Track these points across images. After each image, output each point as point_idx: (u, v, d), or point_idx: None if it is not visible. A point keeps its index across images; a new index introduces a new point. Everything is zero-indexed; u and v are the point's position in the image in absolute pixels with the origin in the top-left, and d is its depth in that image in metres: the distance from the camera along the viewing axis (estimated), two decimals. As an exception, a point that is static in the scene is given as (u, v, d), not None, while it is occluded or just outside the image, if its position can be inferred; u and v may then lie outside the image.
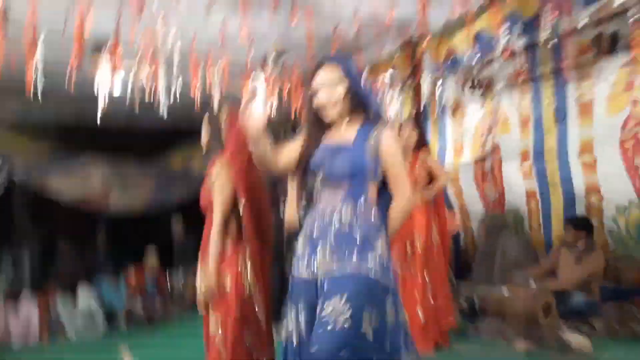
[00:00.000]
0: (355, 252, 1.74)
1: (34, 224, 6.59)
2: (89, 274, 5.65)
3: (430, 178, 3.67)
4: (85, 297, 5.26)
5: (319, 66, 1.92)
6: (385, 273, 1.74)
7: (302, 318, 1.78)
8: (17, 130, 6.72)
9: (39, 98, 4.02)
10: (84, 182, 6.79)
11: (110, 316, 5.37)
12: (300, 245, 1.88)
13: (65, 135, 7.08)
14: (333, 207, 1.81)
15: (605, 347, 3.11)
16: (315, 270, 1.77)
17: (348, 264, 1.72)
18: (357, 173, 1.81)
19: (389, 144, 1.84)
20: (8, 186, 5.01)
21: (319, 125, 1.94)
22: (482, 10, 4.36)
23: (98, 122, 4.67)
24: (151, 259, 5.77)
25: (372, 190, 1.84)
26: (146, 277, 5.67)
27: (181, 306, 5.68)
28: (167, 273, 6.08)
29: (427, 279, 3.41)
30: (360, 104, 1.90)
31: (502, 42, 4.39)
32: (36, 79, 4.02)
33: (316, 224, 1.84)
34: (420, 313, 3.31)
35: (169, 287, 5.90)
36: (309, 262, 1.80)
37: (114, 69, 4.35)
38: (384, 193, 1.89)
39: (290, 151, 1.96)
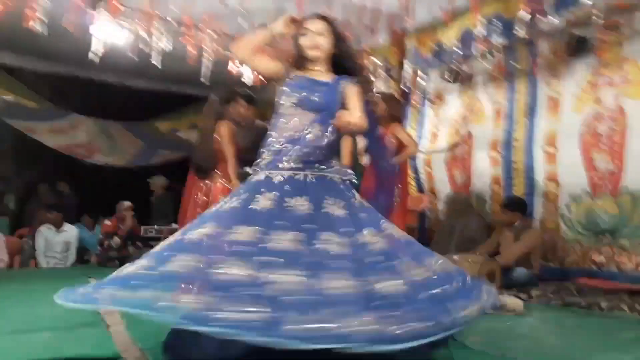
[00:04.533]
0: None
1: (20, 164, 6.80)
2: (69, 215, 5.92)
3: (399, 148, 3.96)
4: (67, 231, 5.63)
5: (314, 16, 2.27)
6: None
7: None
8: (13, 74, 6.91)
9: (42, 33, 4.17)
10: (72, 133, 7.02)
11: (83, 254, 5.73)
12: None
13: (60, 88, 7.28)
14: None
15: (537, 310, 3.40)
16: None
17: None
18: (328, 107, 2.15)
19: (352, 87, 2.22)
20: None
21: (299, 63, 2.28)
22: (467, 9, 4.70)
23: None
24: (128, 212, 5.97)
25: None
26: (120, 226, 5.88)
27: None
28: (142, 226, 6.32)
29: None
30: (340, 62, 2.27)
31: (482, 37, 4.73)
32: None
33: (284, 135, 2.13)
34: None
35: (142, 237, 6.14)
36: None
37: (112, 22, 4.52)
38: None
39: (265, 59, 2.34)
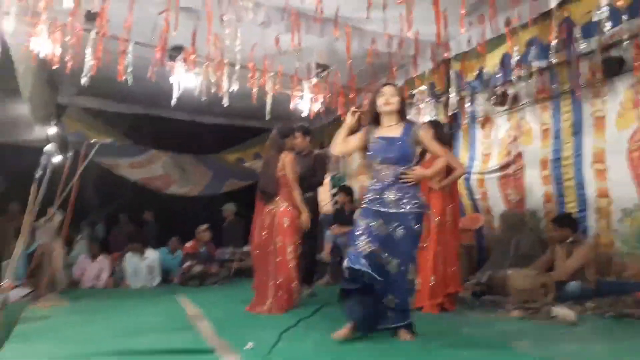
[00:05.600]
0: None
1: (108, 197, 7.65)
2: (152, 241, 6.61)
3: (448, 171, 4.25)
4: (149, 257, 6.37)
5: (384, 84, 3.21)
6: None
7: None
8: (97, 116, 7.83)
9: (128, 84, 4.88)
10: (149, 167, 7.82)
11: (167, 275, 6.43)
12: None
13: (137, 126, 8.15)
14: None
15: (591, 321, 3.53)
16: None
17: None
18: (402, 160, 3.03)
19: (424, 132, 3.19)
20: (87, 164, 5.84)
21: (375, 122, 3.17)
22: (506, 36, 5.00)
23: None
24: (205, 234, 6.56)
25: None
26: (200, 248, 6.48)
27: (227, 276, 6.51)
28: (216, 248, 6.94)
29: (439, 251, 4.00)
30: (403, 111, 3.16)
31: (524, 62, 5.01)
32: (126, 68, 4.91)
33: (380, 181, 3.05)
34: (431, 278, 3.91)
35: (217, 259, 6.72)
36: None
37: (188, 71, 5.20)
38: None
39: (352, 141, 3.20)
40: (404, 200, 2.99)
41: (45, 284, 4.31)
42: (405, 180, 3.01)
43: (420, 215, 3.03)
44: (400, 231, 2.97)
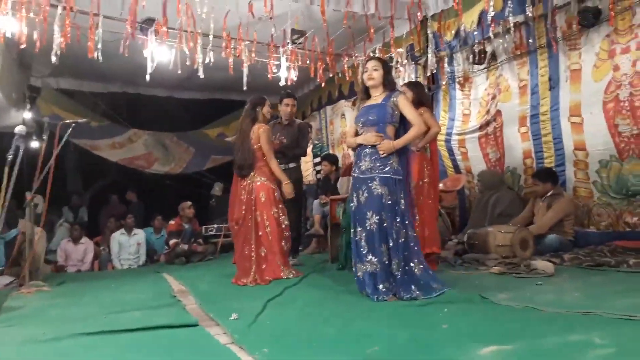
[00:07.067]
0: None
1: (90, 180, 7.59)
2: (138, 221, 6.60)
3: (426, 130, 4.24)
4: (137, 234, 6.39)
5: (368, 59, 3.37)
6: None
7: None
8: (73, 97, 7.67)
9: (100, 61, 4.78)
10: (130, 146, 7.74)
11: (152, 255, 6.40)
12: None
13: (116, 106, 8.02)
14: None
15: (568, 272, 3.62)
16: None
17: None
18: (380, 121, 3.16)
19: (402, 100, 3.21)
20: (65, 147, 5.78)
21: (365, 94, 3.35)
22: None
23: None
24: (189, 210, 6.55)
25: (390, 131, 3.17)
26: (184, 226, 6.47)
27: (214, 252, 6.51)
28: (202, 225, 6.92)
29: (416, 213, 4.01)
30: (387, 83, 3.27)
31: (501, 18, 4.96)
32: (96, 44, 4.78)
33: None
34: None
35: (203, 235, 6.73)
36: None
37: (161, 43, 5.08)
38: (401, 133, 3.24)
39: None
40: (374, 167, 3.13)
41: (27, 270, 4.28)
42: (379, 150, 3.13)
43: (387, 180, 3.08)
44: (363, 196, 3.12)
